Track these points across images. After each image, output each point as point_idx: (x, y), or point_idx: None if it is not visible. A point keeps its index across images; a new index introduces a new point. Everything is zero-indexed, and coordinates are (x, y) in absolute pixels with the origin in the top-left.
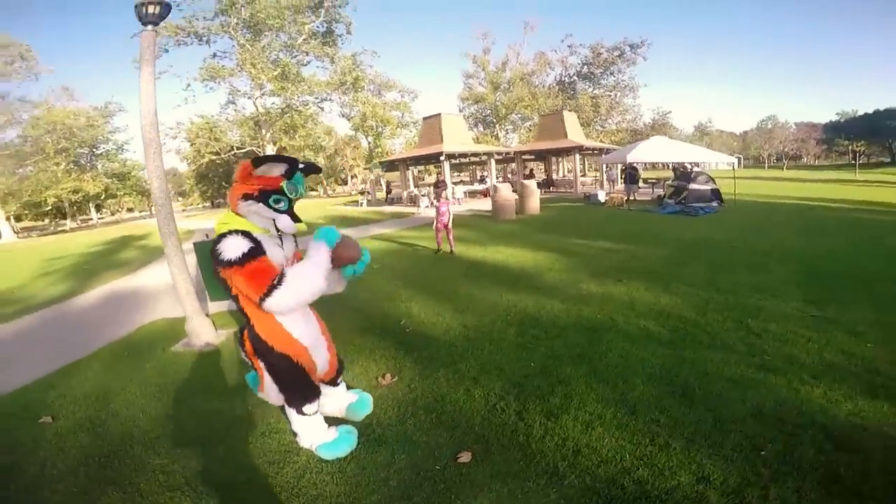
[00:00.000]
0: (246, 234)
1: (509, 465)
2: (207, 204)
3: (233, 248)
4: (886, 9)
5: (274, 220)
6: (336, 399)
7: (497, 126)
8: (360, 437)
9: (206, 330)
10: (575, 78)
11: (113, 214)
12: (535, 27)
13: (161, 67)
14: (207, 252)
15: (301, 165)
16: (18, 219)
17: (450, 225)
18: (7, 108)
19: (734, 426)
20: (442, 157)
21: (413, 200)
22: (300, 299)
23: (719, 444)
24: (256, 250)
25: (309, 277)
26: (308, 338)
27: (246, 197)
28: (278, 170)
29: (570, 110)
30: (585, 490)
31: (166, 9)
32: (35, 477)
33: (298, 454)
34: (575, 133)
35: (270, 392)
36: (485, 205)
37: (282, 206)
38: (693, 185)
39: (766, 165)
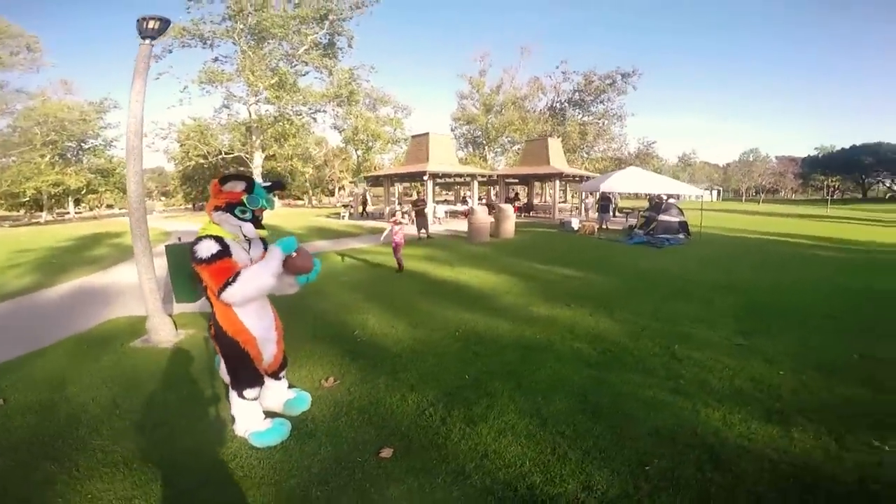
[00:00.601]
0: (218, 238)
1: (424, 462)
2: (189, 206)
3: (204, 249)
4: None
5: (240, 226)
6: (276, 394)
7: (486, 148)
8: (292, 430)
9: (166, 328)
10: (566, 104)
11: (91, 210)
12: (532, 52)
13: (161, 68)
14: (177, 254)
15: (266, 183)
16: None
17: (402, 243)
18: (2, 98)
19: (630, 442)
20: (426, 177)
21: (393, 217)
22: (247, 294)
23: (612, 458)
24: (223, 252)
25: (258, 278)
26: (258, 330)
27: (216, 208)
28: (240, 186)
29: (558, 136)
30: (484, 490)
31: (165, 24)
32: None
33: (233, 440)
34: (557, 160)
35: (223, 373)
36: (464, 225)
37: (246, 215)
38: (662, 217)
39: (744, 198)
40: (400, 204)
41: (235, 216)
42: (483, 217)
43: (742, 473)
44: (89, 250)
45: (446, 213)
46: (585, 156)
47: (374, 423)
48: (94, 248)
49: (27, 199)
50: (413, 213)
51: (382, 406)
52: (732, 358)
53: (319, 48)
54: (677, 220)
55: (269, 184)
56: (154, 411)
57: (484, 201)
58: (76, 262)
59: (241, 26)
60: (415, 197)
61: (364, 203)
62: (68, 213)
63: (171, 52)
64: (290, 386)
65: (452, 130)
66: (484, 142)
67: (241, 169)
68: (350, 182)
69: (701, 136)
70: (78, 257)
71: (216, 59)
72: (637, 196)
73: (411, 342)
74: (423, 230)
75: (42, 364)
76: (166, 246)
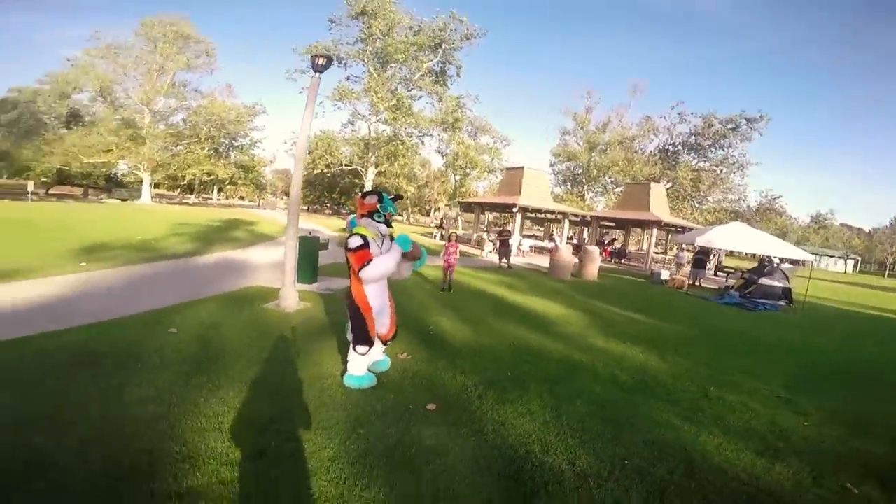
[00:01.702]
0: (362, 236)
1: (456, 418)
2: (305, 208)
3: (353, 242)
4: None
5: (378, 227)
6: (372, 352)
7: (585, 186)
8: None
9: (293, 298)
10: (679, 147)
11: (227, 199)
12: (643, 90)
13: (306, 83)
14: (307, 245)
15: (391, 195)
16: (155, 186)
17: (455, 265)
18: (183, 95)
19: (623, 444)
20: (515, 209)
21: (479, 243)
22: (375, 274)
23: (601, 450)
24: (364, 245)
25: (383, 264)
26: (376, 304)
27: (362, 216)
28: (375, 198)
29: (668, 181)
30: (493, 445)
31: (330, 61)
32: (155, 363)
33: (328, 378)
34: (658, 207)
35: (348, 332)
36: (547, 262)
37: (380, 219)
38: (764, 280)
39: (886, 273)
40: (487, 232)
41: (374, 220)
42: (566, 255)
43: (705, 483)
44: (229, 231)
45: (531, 247)
46: (697, 205)
47: (428, 388)
48: (233, 231)
49: (185, 183)
50: (497, 242)
51: (437, 379)
52: (763, 405)
53: (432, 75)
54: (781, 285)
55: (393, 196)
56: (277, 352)
57: (574, 241)
58: (220, 239)
59: (370, 49)
60: (500, 227)
61: (440, 226)
62: (211, 198)
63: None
64: (383, 354)
65: (552, 165)
66: (584, 180)
67: (356, 181)
68: (445, 205)
69: (840, 198)
70: (221, 236)
71: (348, 78)
72: (752, 256)
73: (471, 343)
74: (504, 260)
75: (201, 309)
76: (300, 237)
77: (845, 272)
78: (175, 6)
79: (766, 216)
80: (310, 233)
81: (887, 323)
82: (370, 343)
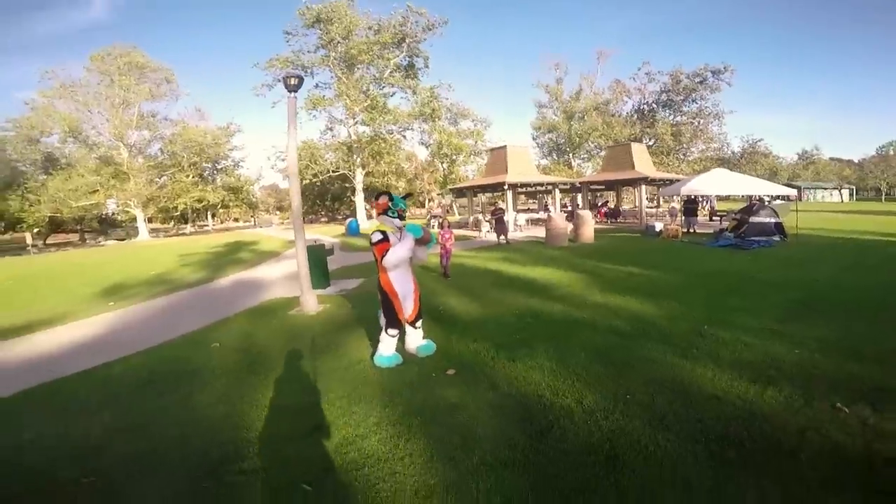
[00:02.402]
0: (382, 231)
1: (474, 377)
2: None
3: (374, 237)
4: None
5: (393, 221)
6: (413, 339)
7: (571, 155)
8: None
9: (312, 302)
10: (654, 106)
11: (222, 222)
12: (608, 56)
13: (276, 97)
14: (315, 253)
15: (399, 195)
16: (148, 221)
17: (452, 251)
18: (154, 125)
19: (624, 382)
20: (505, 187)
21: (476, 225)
22: (394, 261)
23: (605, 389)
24: (383, 239)
25: (399, 251)
26: (401, 289)
27: (379, 214)
28: (385, 198)
29: (649, 138)
30: (508, 395)
31: (301, 81)
32: (209, 374)
33: (360, 363)
34: (642, 164)
35: (380, 316)
36: (543, 232)
37: (393, 214)
38: (754, 219)
39: (883, 197)
40: (483, 213)
41: (388, 216)
42: (560, 223)
43: (701, 410)
44: (235, 254)
45: (527, 220)
46: (683, 157)
47: (446, 357)
48: (238, 253)
49: (177, 213)
50: (493, 221)
51: (453, 349)
52: (757, 339)
53: (401, 70)
54: (772, 220)
55: (404, 194)
56: (310, 348)
57: (569, 208)
58: (228, 262)
59: (334, 54)
60: (493, 206)
61: (435, 216)
62: (207, 224)
63: (279, 81)
64: (424, 337)
65: (534, 139)
66: (567, 149)
67: (346, 185)
68: (438, 194)
69: (825, 134)
70: (228, 259)
71: (317, 86)
72: (746, 199)
73: (479, 315)
74: (502, 236)
75: (233, 325)
76: (308, 247)
77: (842, 202)
78: (113, 39)
79: (751, 159)
80: (315, 242)
81: (878, 247)
82: (399, 326)
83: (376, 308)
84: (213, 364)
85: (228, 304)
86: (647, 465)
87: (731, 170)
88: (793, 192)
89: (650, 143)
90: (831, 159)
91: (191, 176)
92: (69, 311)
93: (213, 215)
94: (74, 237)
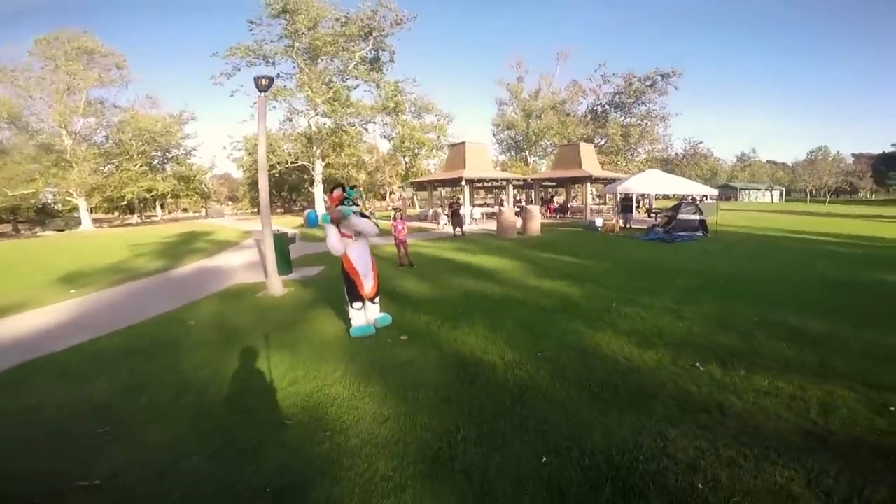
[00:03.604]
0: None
1: (422, 342)
2: (255, 210)
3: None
4: None
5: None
6: (371, 312)
7: (527, 152)
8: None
9: (278, 285)
10: (607, 107)
11: (170, 213)
12: (569, 57)
13: (234, 86)
14: (279, 241)
15: (352, 185)
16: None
17: (406, 241)
18: (101, 112)
19: (541, 344)
20: (463, 182)
21: (435, 218)
22: (330, 245)
23: (524, 349)
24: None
25: (329, 237)
26: (361, 268)
27: (336, 205)
28: (339, 190)
29: (601, 138)
30: (450, 353)
31: (272, 82)
32: (190, 345)
33: (327, 333)
34: (589, 163)
35: (345, 293)
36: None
37: (349, 203)
38: (680, 216)
39: (809, 200)
40: (441, 206)
41: (344, 205)
42: (510, 216)
43: (592, 364)
44: (191, 244)
45: (482, 214)
46: (630, 158)
47: (400, 327)
48: (194, 243)
49: (124, 203)
50: (450, 213)
51: (406, 320)
52: (651, 314)
53: (366, 63)
54: (696, 217)
55: (354, 185)
56: (280, 324)
57: (522, 203)
58: (185, 252)
59: (298, 45)
60: (451, 199)
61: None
62: (156, 215)
63: (239, 70)
64: (382, 311)
65: (494, 136)
66: (525, 146)
67: (304, 176)
68: (399, 187)
69: (764, 135)
70: (185, 249)
71: (278, 76)
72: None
73: (430, 295)
74: (458, 228)
75: (204, 307)
76: (275, 234)
77: (772, 202)
78: (69, 22)
79: (693, 160)
80: (277, 231)
81: (782, 241)
82: (361, 300)
83: (342, 288)
84: (193, 338)
85: (195, 288)
86: (545, 401)
87: (673, 170)
88: (714, 192)
89: (601, 143)
90: (767, 162)
91: (139, 165)
92: (31, 298)
93: (162, 205)
94: (6, 228)
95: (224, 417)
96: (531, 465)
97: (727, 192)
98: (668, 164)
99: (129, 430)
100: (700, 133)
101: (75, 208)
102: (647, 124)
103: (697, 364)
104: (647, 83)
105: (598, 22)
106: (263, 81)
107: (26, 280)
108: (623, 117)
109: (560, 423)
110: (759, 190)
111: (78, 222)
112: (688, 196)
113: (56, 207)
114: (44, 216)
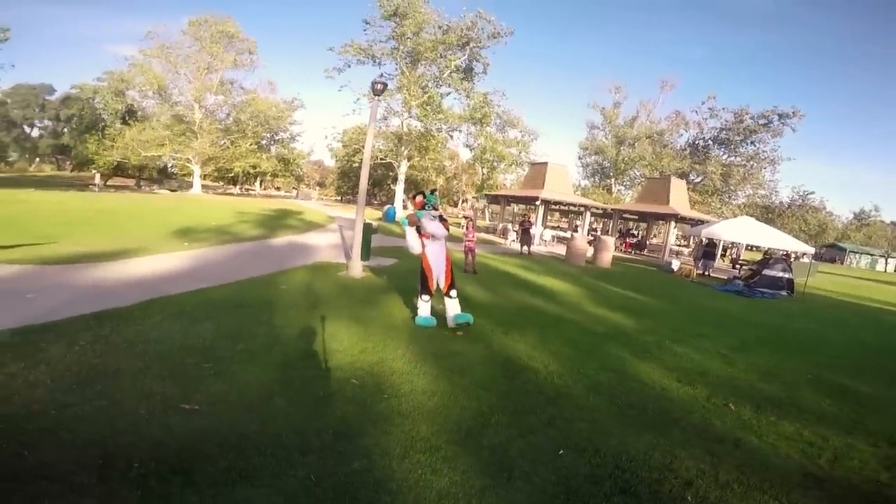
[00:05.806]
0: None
1: (474, 339)
2: (339, 199)
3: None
4: None
5: (429, 213)
6: (451, 308)
7: (613, 180)
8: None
9: (359, 268)
10: (710, 142)
11: (265, 190)
12: (673, 86)
13: (343, 81)
14: (366, 230)
15: (430, 190)
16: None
17: (476, 249)
18: (229, 92)
19: (582, 363)
20: (538, 202)
21: (504, 233)
22: (408, 244)
23: (566, 363)
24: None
25: (408, 237)
26: (434, 265)
27: (418, 209)
28: (420, 196)
29: (698, 175)
30: (496, 353)
31: (385, 87)
32: (282, 306)
33: (395, 317)
34: (678, 201)
35: (419, 284)
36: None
37: (429, 208)
38: (767, 271)
39: None
40: (512, 223)
41: (426, 210)
42: (581, 244)
43: (629, 387)
44: (285, 220)
45: (553, 237)
46: (727, 200)
47: (459, 327)
48: (288, 219)
49: (231, 174)
50: (520, 231)
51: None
52: (701, 356)
53: (459, 72)
54: (784, 275)
55: (434, 189)
56: (358, 300)
57: (598, 232)
58: (279, 226)
59: (402, 48)
60: (523, 217)
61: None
62: (254, 189)
63: (349, 66)
64: (463, 309)
65: (580, 158)
66: (611, 173)
67: (389, 173)
68: (472, 196)
69: (891, 193)
70: (279, 223)
71: (381, 76)
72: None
73: (488, 302)
74: (525, 247)
75: (295, 275)
76: (365, 224)
77: (885, 270)
78: (214, 5)
79: (799, 212)
80: (371, 222)
81: (869, 312)
82: (430, 294)
83: (417, 281)
84: (284, 300)
85: (287, 258)
86: (574, 407)
87: (773, 220)
88: (810, 250)
89: (697, 181)
90: (890, 223)
91: (250, 143)
92: (151, 245)
93: (261, 182)
94: (131, 182)
95: (304, 370)
96: (548, 454)
97: (832, 253)
98: (770, 213)
99: (227, 368)
100: (813, 182)
101: (190, 174)
102: (752, 166)
103: (730, 404)
104: (761, 121)
105: (704, 54)
106: (379, 86)
107: (149, 230)
108: (726, 155)
109: (583, 427)
110: (872, 256)
111: (189, 186)
112: (780, 251)
113: (174, 171)
114: (163, 177)
